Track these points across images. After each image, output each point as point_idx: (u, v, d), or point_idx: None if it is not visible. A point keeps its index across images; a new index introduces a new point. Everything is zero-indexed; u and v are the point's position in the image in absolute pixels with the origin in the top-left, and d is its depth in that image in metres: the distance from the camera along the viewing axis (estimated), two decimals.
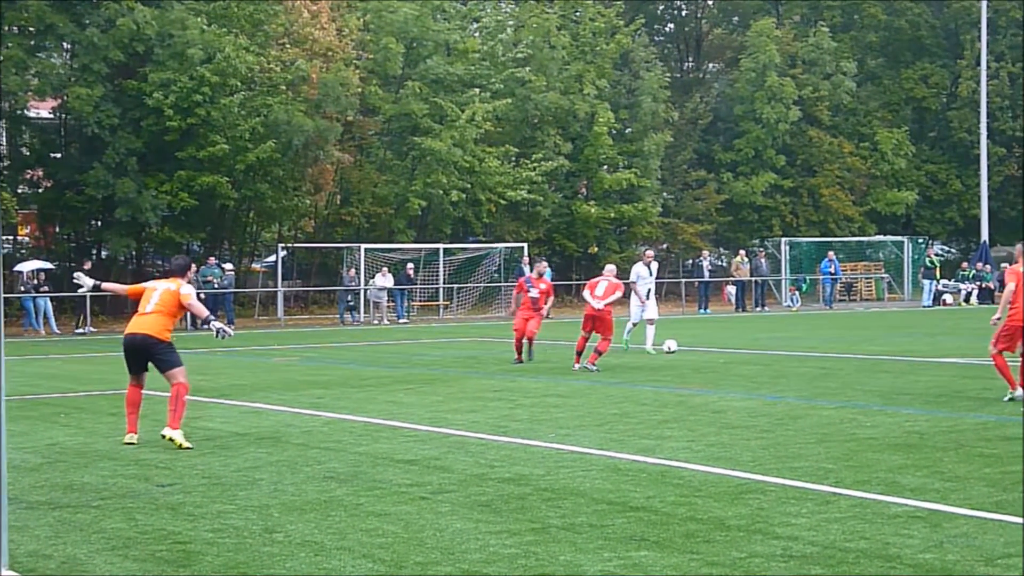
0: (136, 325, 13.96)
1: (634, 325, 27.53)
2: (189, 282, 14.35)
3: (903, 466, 11.67)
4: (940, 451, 12.52)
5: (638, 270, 27.77)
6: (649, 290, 27.60)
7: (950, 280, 53.60)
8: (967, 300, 51.63)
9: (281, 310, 44.21)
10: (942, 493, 10.37)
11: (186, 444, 13.38)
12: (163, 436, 13.50)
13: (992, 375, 17.38)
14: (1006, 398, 16.62)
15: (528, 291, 24.56)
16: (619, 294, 23.20)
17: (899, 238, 59.44)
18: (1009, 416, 15.09)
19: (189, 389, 13.98)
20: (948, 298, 51.69)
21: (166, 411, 13.80)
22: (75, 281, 15.18)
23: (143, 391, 14.11)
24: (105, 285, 15.34)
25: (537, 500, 10.30)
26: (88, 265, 41.46)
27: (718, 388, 19.09)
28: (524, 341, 24.25)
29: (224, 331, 14.21)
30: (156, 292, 14.06)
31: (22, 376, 22.25)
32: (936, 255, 55.43)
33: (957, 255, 65.13)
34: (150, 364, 13.97)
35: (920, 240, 60.37)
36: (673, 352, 25.94)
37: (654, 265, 28.37)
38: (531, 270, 45.31)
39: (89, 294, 14.93)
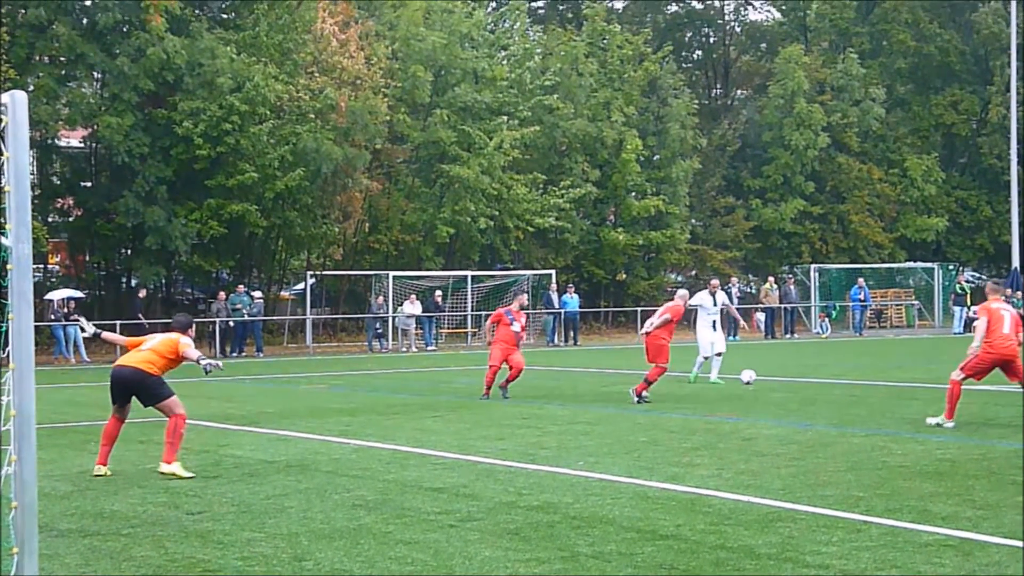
0: (126, 359, 13.83)
1: (705, 359, 25.87)
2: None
3: (934, 494, 11.60)
4: (971, 479, 12.45)
5: (702, 299, 26.39)
6: (715, 321, 26.18)
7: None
8: None
9: (310, 337, 44.28)
10: (974, 521, 10.30)
11: (186, 474, 13.28)
12: (161, 473, 13.33)
13: (996, 400, 17.33)
14: (932, 422, 16.99)
15: (511, 324, 22.98)
16: (668, 316, 21.94)
17: (929, 265, 59.18)
18: None
19: (186, 419, 13.81)
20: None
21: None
22: (79, 324, 15.06)
23: (123, 425, 13.96)
24: (105, 335, 15.17)
25: (566, 528, 10.28)
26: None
27: (747, 415, 19.02)
28: (495, 376, 22.79)
29: (212, 364, 13.95)
30: (155, 339, 14.00)
31: (52, 404, 22.35)
32: (967, 281, 55.10)
33: (987, 281, 64.75)
34: (134, 399, 13.78)
35: (950, 267, 60.06)
36: (750, 384, 23.92)
37: (720, 295, 27.00)
38: (540, 299, 45.24)
39: (95, 331, 14.71)
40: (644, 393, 21.33)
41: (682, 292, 23.75)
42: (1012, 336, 17.13)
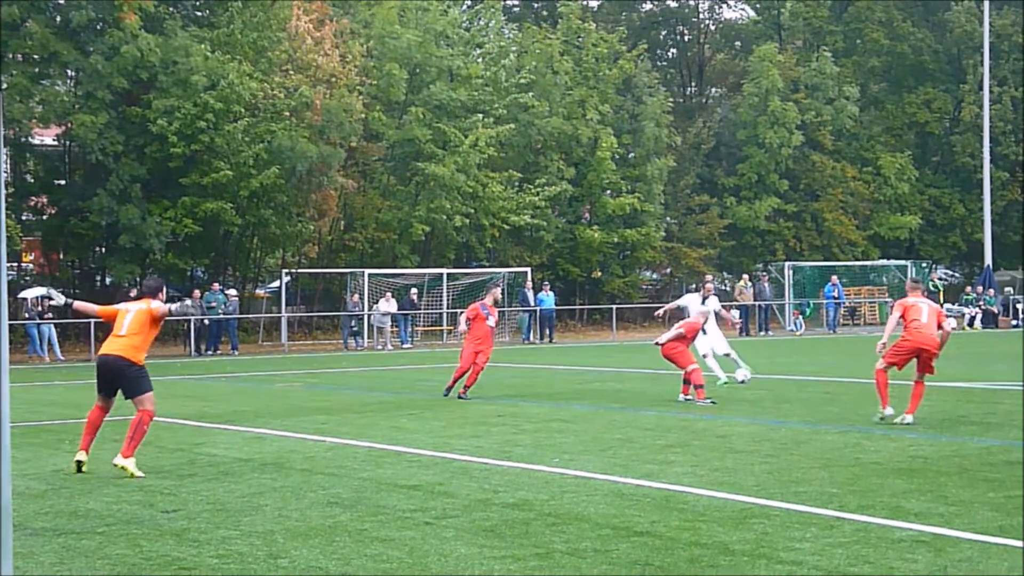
0: (110, 346, 13.73)
1: (726, 356, 24.72)
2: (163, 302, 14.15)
3: (907, 491, 11.67)
4: (944, 476, 12.52)
5: (689, 300, 25.40)
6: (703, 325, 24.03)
7: (954, 304, 53.56)
8: (971, 324, 51.59)
9: (285, 336, 44.21)
10: (946, 518, 10.37)
11: (138, 473, 13.20)
12: (115, 465, 13.25)
13: (994, 399, 17.40)
14: (876, 417, 17.15)
15: (487, 319, 22.68)
16: (681, 331, 21.62)
17: (902, 262, 59.39)
18: (1013, 441, 15.09)
19: (154, 418, 13.72)
20: (952, 323, 51.61)
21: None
22: (47, 295, 14.83)
23: (106, 417, 13.93)
24: (77, 304, 14.87)
25: (541, 525, 10.31)
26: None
27: (721, 413, 19.08)
28: (462, 375, 22.43)
29: (184, 306, 14.01)
30: (129, 314, 13.83)
31: (26, 403, 22.26)
32: (939, 279, 55.39)
33: (960, 279, 65.12)
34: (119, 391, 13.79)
35: (923, 264, 60.31)
36: (744, 382, 23.98)
37: (712, 300, 25.21)
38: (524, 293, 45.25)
39: (65, 300, 14.56)
40: (703, 397, 20.58)
41: (702, 309, 23.16)
42: (931, 326, 17.19)
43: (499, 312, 24.08)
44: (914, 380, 17.27)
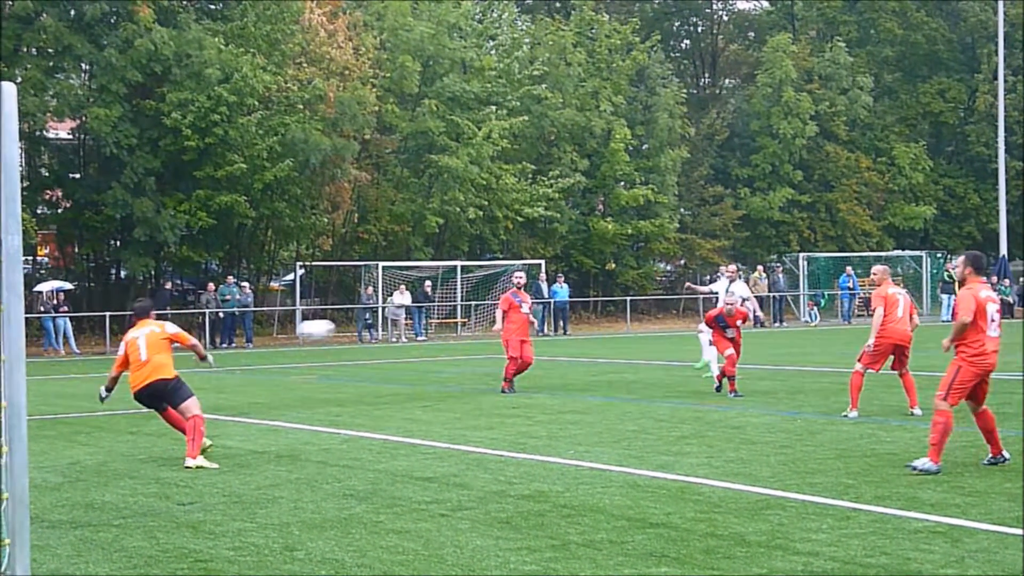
0: (139, 378, 13.88)
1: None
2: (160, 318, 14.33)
3: (923, 481, 11.64)
4: (960, 466, 12.49)
5: (720, 287, 24.11)
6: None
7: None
8: None
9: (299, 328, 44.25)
10: (962, 508, 10.35)
11: (212, 465, 13.44)
12: (187, 467, 13.38)
13: (1009, 389, 17.35)
14: (844, 415, 17.01)
15: (520, 307, 22.24)
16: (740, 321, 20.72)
17: (917, 253, 59.30)
18: None
19: (205, 420, 14.00)
20: (917, 319, 51.36)
21: (173, 426, 13.91)
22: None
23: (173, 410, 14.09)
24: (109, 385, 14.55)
25: (556, 517, 10.30)
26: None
27: (736, 404, 19.06)
28: (518, 369, 22.00)
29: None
30: (140, 339, 13.96)
31: (42, 396, 22.32)
32: (954, 269, 55.23)
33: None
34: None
35: (938, 254, 60.18)
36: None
37: (737, 285, 24.01)
38: (545, 284, 45.21)
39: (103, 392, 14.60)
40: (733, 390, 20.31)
41: (728, 299, 21.22)
42: (906, 320, 17.12)
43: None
44: (899, 375, 17.27)
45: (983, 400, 12.48)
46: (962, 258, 13.03)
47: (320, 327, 17.65)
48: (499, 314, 22.66)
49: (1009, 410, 17.06)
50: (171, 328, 14.24)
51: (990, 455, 12.56)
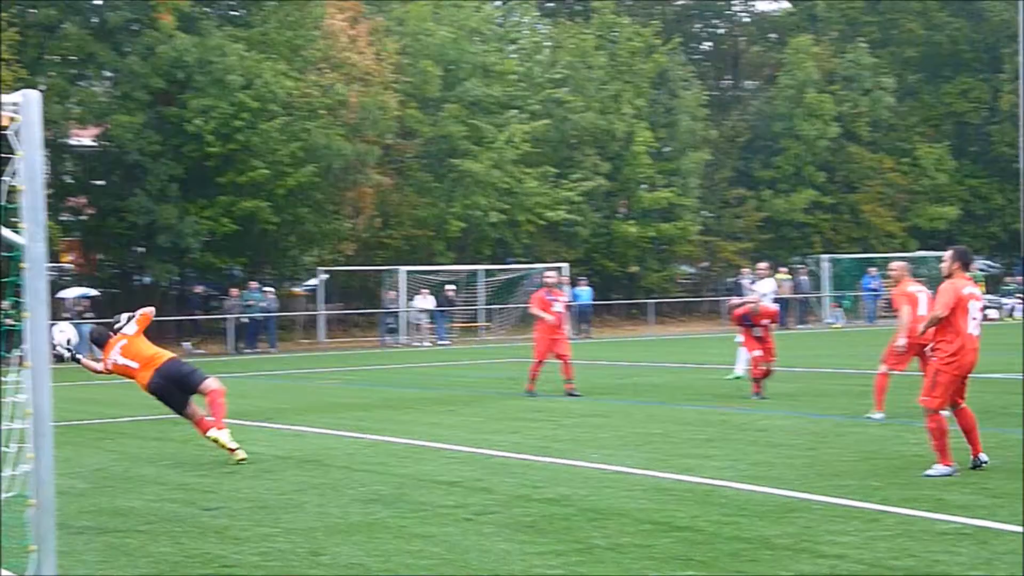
0: (146, 376, 13.98)
1: None
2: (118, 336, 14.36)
3: (950, 483, 11.58)
4: (987, 468, 12.42)
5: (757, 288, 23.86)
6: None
7: (994, 295, 53.19)
8: (1011, 315, 51.24)
9: (323, 333, 44.34)
10: (990, 510, 10.29)
11: (231, 444, 13.71)
12: (209, 437, 13.64)
13: (1010, 389, 17.25)
14: (869, 416, 16.96)
15: (552, 305, 22.08)
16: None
17: (941, 253, 58.87)
18: None
19: (225, 391, 14.18)
20: (992, 313, 51.30)
21: (186, 433, 13.94)
22: (56, 347, 14.33)
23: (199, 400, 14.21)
24: (83, 361, 14.82)
25: (581, 520, 10.28)
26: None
27: (760, 407, 19.01)
28: (551, 368, 22.06)
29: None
30: (123, 357, 14.12)
31: (67, 402, 22.36)
32: (979, 270, 54.94)
33: (1000, 269, 64.66)
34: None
35: None
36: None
37: (763, 283, 24.16)
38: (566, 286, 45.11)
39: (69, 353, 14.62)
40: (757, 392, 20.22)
41: (750, 296, 21.46)
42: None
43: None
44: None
45: (963, 399, 12.38)
46: (950, 252, 12.85)
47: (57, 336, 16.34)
48: (535, 312, 22.24)
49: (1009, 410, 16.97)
50: (131, 328, 14.29)
51: (971, 456, 12.46)
